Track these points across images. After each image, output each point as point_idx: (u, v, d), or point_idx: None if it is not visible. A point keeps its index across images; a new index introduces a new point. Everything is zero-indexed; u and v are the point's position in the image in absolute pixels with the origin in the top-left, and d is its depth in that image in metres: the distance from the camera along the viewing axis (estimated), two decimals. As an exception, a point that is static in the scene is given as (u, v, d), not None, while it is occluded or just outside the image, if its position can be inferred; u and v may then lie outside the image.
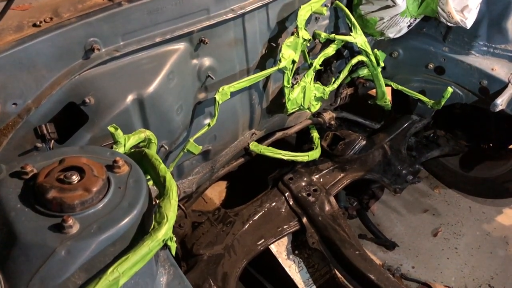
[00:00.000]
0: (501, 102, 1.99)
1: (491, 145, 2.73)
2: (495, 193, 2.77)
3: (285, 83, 1.89)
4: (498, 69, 2.10)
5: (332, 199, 2.26)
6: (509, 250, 2.64)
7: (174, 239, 0.98)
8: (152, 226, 0.94)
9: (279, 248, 2.21)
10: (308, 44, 1.91)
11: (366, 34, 2.08)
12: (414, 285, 2.47)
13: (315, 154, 2.31)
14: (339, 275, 2.22)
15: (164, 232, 0.91)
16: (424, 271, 2.54)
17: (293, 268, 2.23)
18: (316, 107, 2.16)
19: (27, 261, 0.84)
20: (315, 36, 1.97)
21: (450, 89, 2.18)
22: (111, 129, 1.23)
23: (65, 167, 0.95)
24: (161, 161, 1.09)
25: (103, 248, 0.87)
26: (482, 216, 2.84)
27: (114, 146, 1.25)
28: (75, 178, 0.93)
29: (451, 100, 2.24)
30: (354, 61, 2.13)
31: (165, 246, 0.97)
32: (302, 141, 2.57)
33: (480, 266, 2.56)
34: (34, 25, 1.33)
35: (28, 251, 0.84)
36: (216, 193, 2.85)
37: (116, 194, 0.95)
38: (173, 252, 1.03)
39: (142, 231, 0.94)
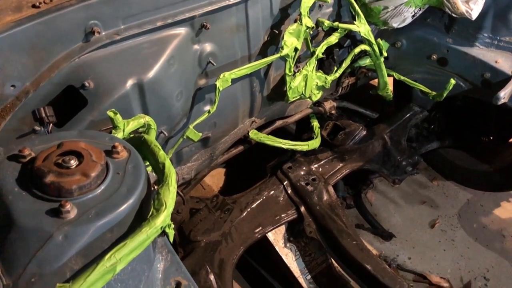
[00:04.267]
0: (504, 95, 1.98)
1: (491, 138, 2.72)
2: (493, 186, 2.77)
3: (287, 71, 1.88)
4: (502, 61, 2.08)
5: (331, 189, 2.26)
6: (505, 243, 2.65)
7: (172, 226, 0.98)
8: (150, 213, 0.93)
9: (276, 236, 2.22)
10: (311, 32, 1.89)
11: (370, 23, 2.06)
12: (410, 276, 2.48)
13: (314, 143, 2.30)
14: (335, 264, 2.23)
15: (163, 219, 0.91)
16: (420, 262, 2.55)
17: (289, 257, 2.23)
18: (317, 96, 2.15)
19: (24, 245, 0.83)
20: (318, 24, 1.95)
21: (452, 81, 2.17)
22: (110, 113, 1.22)
23: (64, 152, 0.94)
24: (160, 147, 1.08)
25: (100, 233, 0.86)
26: (479, 209, 2.85)
27: (113, 131, 1.24)
28: (73, 162, 0.92)
29: (453, 92, 2.22)
30: (357, 50, 2.11)
31: (163, 233, 0.97)
32: (302, 130, 2.56)
33: (476, 258, 2.57)
34: (33, 6, 1.30)
35: (25, 235, 0.84)
36: (215, 180, 2.85)
37: (115, 180, 0.94)
38: (171, 239, 1.02)
39: (140, 217, 0.93)
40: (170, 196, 0.95)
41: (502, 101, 1.99)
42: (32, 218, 0.85)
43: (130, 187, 0.93)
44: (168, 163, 1.03)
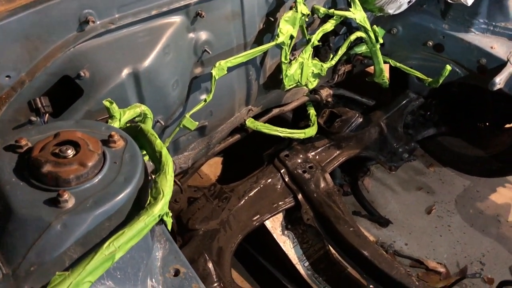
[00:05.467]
0: (499, 81, 1.98)
1: (487, 124, 2.73)
2: (489, 172, 2.79)
3: (283, 59, 1.87)
4: (498, 47, 2.09)
5: (328, 176, 2.27)
6: (501, 228, 2.67)
7: (170, 214, 0.98)
8: (148, 201, 0.93)
9: (274, 224, 2.23)
10: (307, 19, 1.88)
11: (365, 10, 2.05)
12: (406, 262, 2.50)
13: (311, 131, 2.31)
14: (333, 251, 2.25)
15: (160, 207, 0.91)
16: (417, 248, 2.57)
17: (287, 244, 2.25)
18: (313, 83, 2.14)
19: (23, 235, 0.84)
20: (313, 11, 1.94)
21: (448, 67, 2.17)
22: (106, 103, 1.22)
23: (60, 141, 0.94)
24: (157, 136, 1.08)
25: (99, 222, 0.86)
26: (475, 195, 2.87)
27: (109, 120, 1.24)
28: (70, 152, 0.92)
29: (449, 78, 2.22)
30: (352, 37, 2.10)
31: (161, 221, 0.97)
32: (298, 118, 2.56)
33: (472, 243, 2.60)
34: (27, -5, 1.29)
35: (24, 225, 0.84)
36: (212, 169, 2.85)
37: (112, 169, 0.94)
38: (169, 228, 1.03)
39: (138, 206, 0.94)
40: (167, 184, 0.95)
41: (497, 86, 2.00)
42: (30, 208, 0.85)
43: (127, 176, 0.93)
44: (165, 151, 1.03)
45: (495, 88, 2.00)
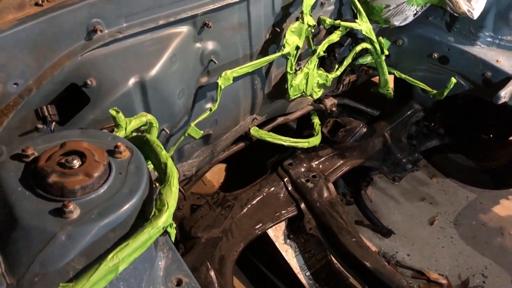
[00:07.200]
0: (504, 95, 1.98)
1: (491, 136, 2.73)
2: (493, 184, 2.78)
3: (288, 69, 1.88)
4: (503, 61, 2.09)
5: (331, 186, 2.27)
6: (504, 240, 2.66)
7: (174, 225, 0.99)
8: (152, 213, 0.94)
9: (276, 233, 2.23)
10: (313, 30, 1.89)
11: (371, 21, 2.06)
12: (408, 273, 2.49)
13: (315, 140, 2.31)
14: (335, 261, 2.25)
15: (165, 219, 0.91)
16: (419, 259, 2.56)
17: (289, 253, 2.25)
18: (318, 93, 2.15)
19: (28, 245, 0.84)
20: (320, 22, 1.95)
21: (453, 80, 2.17)
22: (112, 112, 1.23)
23: (66, 151, 0.95)
24: (162, 147, 1.09)
25: (103, 233, 0.87)
26: (479, 206, 2.86)
27: (115, 129, 1.25)
28: (76, 162, 0.93)
29: (454, 90, 2.22)
30: (358, 48, 2.10)
31: (165, 233, 0.98)
32: (302, 127, 2.56)
33: (475, 255, 2.58)
34: (36, 4, 1.30)
35: (29, 235, 0.85)
36: (216, 176, 2.86)
37: (117, 180, 0.95)
38: (173, 238, 1.04)
39: (143, 217, 0.94)
40: (172, 196, 0.96)
41: (502, 100, 2.00)
42: (36, 217, 0.86)
43: (132, 188, 0.94)
44: (170, 163, 1.04)
45: (500, 102, 2.01)
